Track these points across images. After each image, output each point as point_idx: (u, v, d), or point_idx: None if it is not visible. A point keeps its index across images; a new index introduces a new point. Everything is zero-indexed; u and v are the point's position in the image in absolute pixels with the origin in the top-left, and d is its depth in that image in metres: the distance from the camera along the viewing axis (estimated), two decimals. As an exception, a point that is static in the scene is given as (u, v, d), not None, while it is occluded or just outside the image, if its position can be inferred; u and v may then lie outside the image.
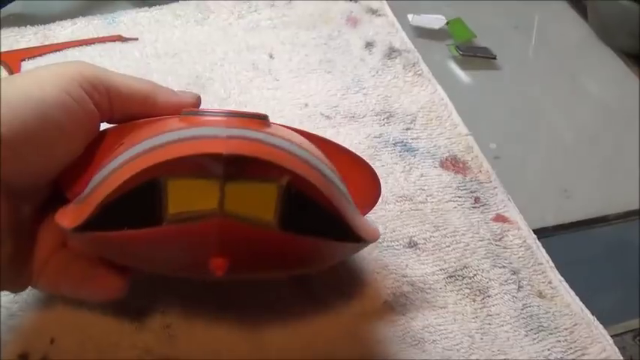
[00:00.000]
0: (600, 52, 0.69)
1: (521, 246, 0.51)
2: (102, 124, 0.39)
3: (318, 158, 0.37)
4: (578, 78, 0.66)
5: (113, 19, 0.67)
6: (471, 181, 0.54)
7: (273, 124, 0.38)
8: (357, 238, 0.37)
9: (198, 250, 0.33)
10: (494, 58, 0.65)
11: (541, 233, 0.52)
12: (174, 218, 0.32)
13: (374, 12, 0.67)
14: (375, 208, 0.51)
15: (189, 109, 0.40)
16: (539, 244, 0.51)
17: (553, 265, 0.50)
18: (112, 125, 0.40)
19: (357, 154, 0.43)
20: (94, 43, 0.64)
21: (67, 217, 0.35)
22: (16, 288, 0.38)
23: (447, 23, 0.67)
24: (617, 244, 0.54)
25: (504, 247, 0.50)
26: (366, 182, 0.42)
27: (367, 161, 0.43)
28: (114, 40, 0.65)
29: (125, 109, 0.39)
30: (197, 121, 0.36)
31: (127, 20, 0.67)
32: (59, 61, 0.54)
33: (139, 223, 0.32)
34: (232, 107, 0.58)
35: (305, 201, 0.34)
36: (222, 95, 0.59)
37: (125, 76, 0.40)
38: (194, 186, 0.32)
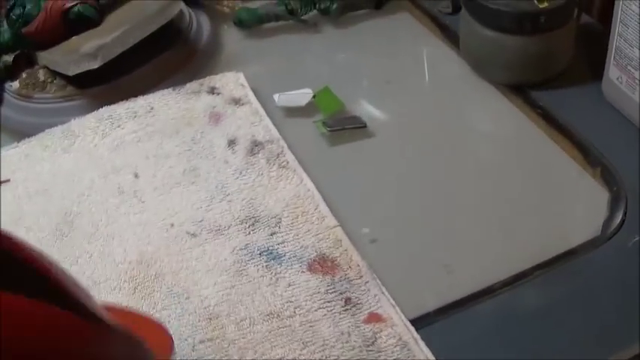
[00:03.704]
0: (480, 88, 0.66)
1: (396, 345, 0.48)
2: None
3: None
4: (461, 122, 0.64)
5: (-15, 162, 0.66)
6: (341, 280, 0.52)
7: None
8: (90, 315, 0.33)
9: None
10: (365, 126, 0.62)
11: (421, 322, 0.50)
12: None
13: (237, 102, 0.65)
14: (244, 331, 0.50)
15: None
16: (418, 338, 0.49)
17: (433, 358, 0.48)
18: None
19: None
20: (-31, 192, 0.64)
21: None
22: None
23: (314, 96, 0.65)
24: (505, 316, 0.51)
25: (378, 351, 0.48)
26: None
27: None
28: (-9, 186, 0.64)
29: None
30: None
31: (-2, 161, 0.66)
32: None
33: None
34: (100, 241, 0.57)
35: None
36: (89, 230, 0.58)
37: None
38: None
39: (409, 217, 0.57)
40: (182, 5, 0.72)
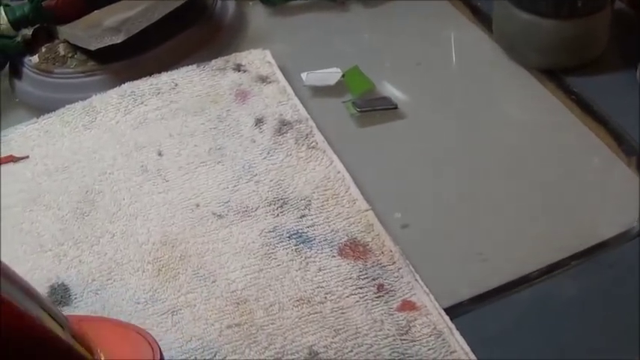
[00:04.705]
0: (513, 72, 0.64)
1: (431, 335, 0.47)
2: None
3: None
4: (494, 106, 0.62)
5: (4, 138, 0.64)
6: (373, 266, 0.50)
7: None
8: None
9: None
10: (396, 108, 0.60)
11: (455, 311, 0.48)
12: None
13: (264, 80, 0.63)
14: (273, 316, 0.49)
15: None
16: (453, 327, 0.47)
17: (468, 348, 0.46)
18: None
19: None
20: (-13, 169, 0.62)
21: None
22: None
23: (344, 75, 0.63)
24: (542, 307, 0.49)
25: (412, 340, 0.47)
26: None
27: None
28: (7, 162, 0.62)
29: None
30: None
31: (17, 137, 0.64)
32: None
33: None
34: (123, 221, 0.56)
35: None
36: (112, 210, 0.57)
37: None
38: None
39: (441, 203, 0.55)
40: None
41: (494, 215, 0.54)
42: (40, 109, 0.67)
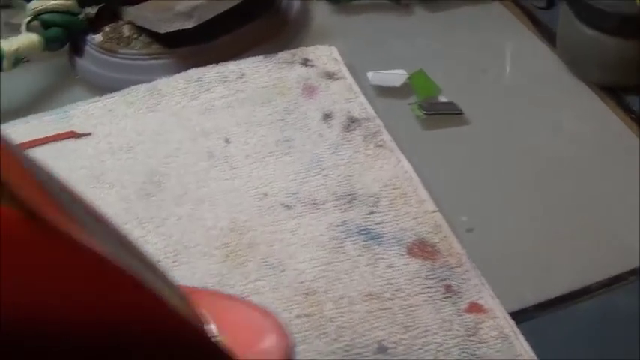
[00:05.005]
0: (573, 86, 0.65)
1: (497, 338, 0.48)
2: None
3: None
4: (554, 119, 0.63)
5: (65, 114, 0.64)
6: (441, 266, 0.51)
7: None
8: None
9: None
10: (461, 113, 0.61)
11: (520, 316, 0.49)
12: None
13: (330, 76, 0.64)
14: (342, 309, 0.49)
15: None
16: (518, 332, 0.48)
17: (533, 354, 0.47)
18: None
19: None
20: (48, 142, 0.63)
21: None
22: None
23: (409, 77, 0.64)
24: (601, 318, 0.51)
25: (479, 342, 0.48)
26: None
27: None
28: (68, 138, 0.63)
29: None
30: None
31: (79, 113, 0.64)
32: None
33: None
34: (189, 205, 0.56)
35: None
36: (178, 192, 0.57)
37: None
38: None
39: (505, 210, 0.56)
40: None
41: (557, 225, 0.55)
42: (101, 87, 0.67)
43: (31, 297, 0.22)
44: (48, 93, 0.70)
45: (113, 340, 0.24)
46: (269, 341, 0.38)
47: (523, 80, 0.66)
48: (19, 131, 0.63)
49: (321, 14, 0.73)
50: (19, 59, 0.66)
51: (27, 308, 0.22)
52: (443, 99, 0.63)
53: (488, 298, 0.50)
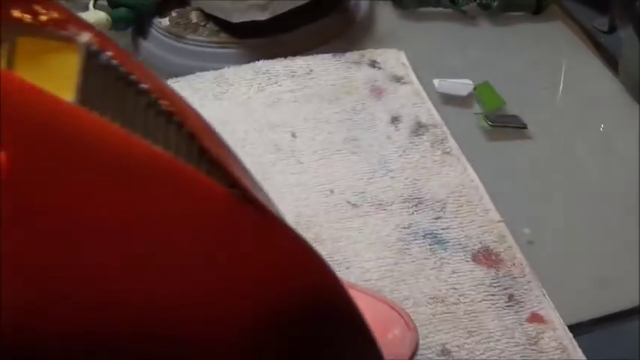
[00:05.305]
0: (634, 111, 0.66)
1: (557, 348, 0.49)
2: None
3: None
4: (616, 141, 0.64)
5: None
6: (505, 276, 0.52)
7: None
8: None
9: None
10: (525, 127, 0.62)
11: (577, 330, 0.51)
12: None
13: (398, 80, 0.65)
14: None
15: None
16: (576, 344, 0.49)
17: (591, 367, 0.48)
18: None
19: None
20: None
21: None
22: None
23: (475, 88, 0.65)
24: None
25: (540, 352, 0.49)
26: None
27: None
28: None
29: None
30: None
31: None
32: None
33: None
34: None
35: None
36: (244, 181, 0.58)
37: None
38: None
39: (566, 225, 0.57)
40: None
41: (617, 243, 0.56)
42: (165, 71, 0.68)
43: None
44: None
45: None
46: (395, 333, 0.39)
47: (585, 101, 0.67)
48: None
49: (387, 18, 0.74)
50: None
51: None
52: (507, 112, 0.64)
53: (548, 310, 0.51)
